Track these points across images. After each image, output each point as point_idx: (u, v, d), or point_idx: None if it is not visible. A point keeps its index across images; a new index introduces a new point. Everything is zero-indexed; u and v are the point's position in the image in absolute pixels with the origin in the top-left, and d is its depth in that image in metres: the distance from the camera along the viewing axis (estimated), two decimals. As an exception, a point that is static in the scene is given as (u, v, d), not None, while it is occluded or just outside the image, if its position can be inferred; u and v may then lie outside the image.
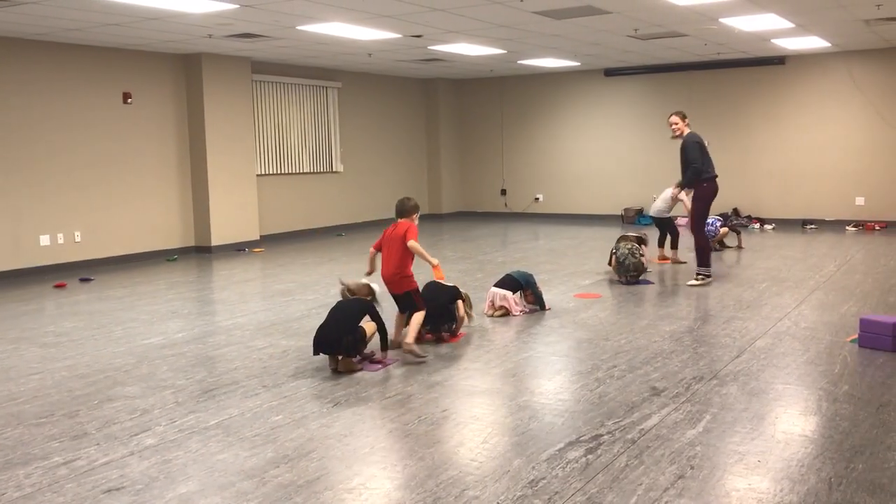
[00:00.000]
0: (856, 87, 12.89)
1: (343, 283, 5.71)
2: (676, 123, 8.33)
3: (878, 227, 12.67)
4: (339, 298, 5.64)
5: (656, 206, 9.69)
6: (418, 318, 5.64)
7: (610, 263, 8.69)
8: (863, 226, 12.69)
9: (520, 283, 7.10)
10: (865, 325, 5.58)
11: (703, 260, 8.24)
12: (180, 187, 11.63)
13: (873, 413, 4.23)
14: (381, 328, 5.43)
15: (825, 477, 3.43)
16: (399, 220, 5.75)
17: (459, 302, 6.18)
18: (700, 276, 8.21)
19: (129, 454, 3.90)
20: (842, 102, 13.05)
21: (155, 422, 4.37)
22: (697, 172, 8.08)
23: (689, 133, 8.29)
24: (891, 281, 8.13)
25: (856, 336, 5.71)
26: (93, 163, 10.46)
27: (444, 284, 6.15)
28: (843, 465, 3.54)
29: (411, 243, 5.54)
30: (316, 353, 5.26)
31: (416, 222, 5.75)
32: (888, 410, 4.26)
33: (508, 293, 6.95)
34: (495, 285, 7.08)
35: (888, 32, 10.82)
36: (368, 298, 5.55)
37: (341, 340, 5.17)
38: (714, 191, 8.24)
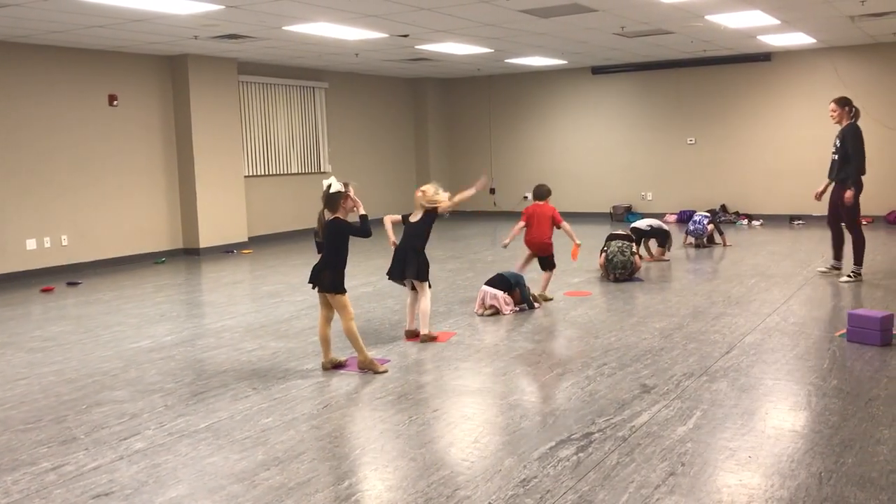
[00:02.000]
0: (841, 83, 12.95)
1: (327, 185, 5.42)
2: (835, 111, 7.92)
3: (865, 222, 12.70)
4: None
5: (651, 223, 9.66)
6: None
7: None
8: (850, 221, 12.75)
9: (510, 283, 7.09)
10: (853, 319, 5.61)
11: (858, 258, 7.96)
12: (168, 189, 11.57)
13: (862, 407, 4.24)
14: (360, 229, 5.26)
15: (815, 472, 3.44)
16: (539, 202, 7.49)
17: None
18: (853, 274, 7.96)
19: (118, 459, 3.87)
20: (827, 98, 13.00)
21: (144, 426, 4.34)
22: (860, 167, 7.73)
23: (851, 123, 7.82)
24: (878, 275, 8.17)
25: (844, 331, 5.73)
26: (79, 166, 10.39)
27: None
28: (832, 460, 3.56)
29: (564, 225, 7.43)
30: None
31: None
32: (877, 404, 4.28)
33: (499, 292, 6.95)
34: (486, 284, 7.08)
35: (873, 28, 10.87)
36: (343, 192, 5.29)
37: (320, 274, 5.21)
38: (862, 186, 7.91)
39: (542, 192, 7.59)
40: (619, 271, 8.31)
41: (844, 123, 7.89)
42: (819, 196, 8.31)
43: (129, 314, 7.49)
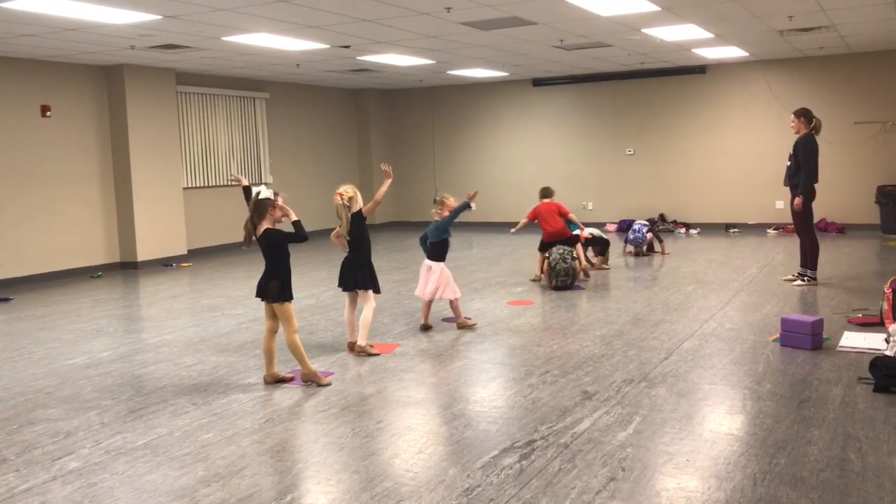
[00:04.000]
0: (773, 94, 13.37)
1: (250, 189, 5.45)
2: (793, 122, 8.18)
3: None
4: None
5: (592, 231, 9.86)
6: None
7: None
8: (783, 228, 13.15)
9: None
10: (786, 324, 5.78)
11: (812, 262, 8.24)
12: (104, 202, 11.31)
13: (794, 409, 4.37)
14: (296, 235, 5.19)
15: (750, 473, 3.53)
16: (546, 200, 9.14)
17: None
18: (806, 278, 8.25)
19: (52, 479, 3.76)
20: (760, 110, 13.52)
21: (79, 444, 4.23)
22: (809, 176, 8.00)
23: (806, 134, 8.07)
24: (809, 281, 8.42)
25: (777, 335, 5.90)
26: (9, 178, 10.08)
27: None
28: (766, 461, 3.66)
29: (572, 216, 9.17)
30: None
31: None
32: (808, 406, 4.42)
33: (439, 265, 6.75)
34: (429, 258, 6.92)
35: (801, 43, 11.26)
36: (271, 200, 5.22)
37: (266, 286, 5.16)
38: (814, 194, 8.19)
39: (548, 192, 9.34)
40: (561, 278, 8.41)
41: (802, 133, 8.15)
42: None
43: (64, 330, 7.29)
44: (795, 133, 8.21)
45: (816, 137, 8.11)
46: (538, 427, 4.22)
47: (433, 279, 6.70)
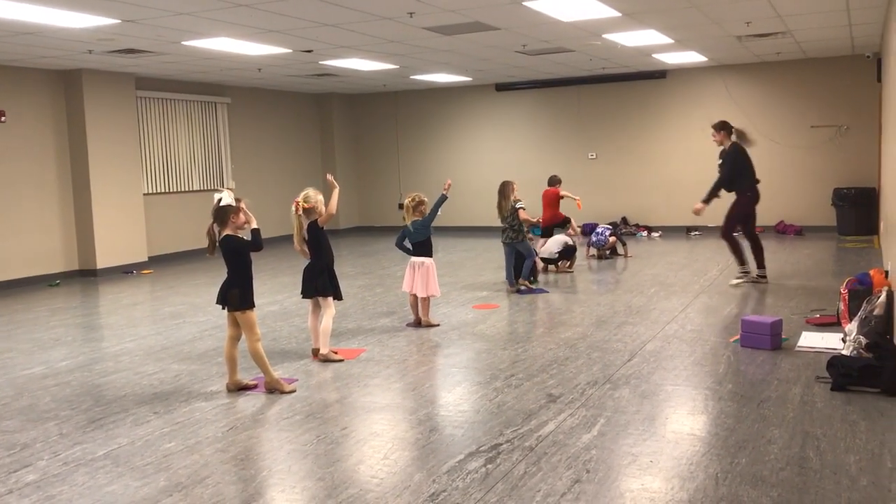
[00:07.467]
0: (731, 99, 13.59)
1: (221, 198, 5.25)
2: (714, 136, 8.52)
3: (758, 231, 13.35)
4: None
5: (558, 249, 9.92)
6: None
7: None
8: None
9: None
10: (746, 325, 5.87)
11: (740, 259, 8.51)
12: (61, 209, 11.11)
13: (755, 409, 4.44)
14: (252, 242, 5.15)
15: (712, 473, 3.57)
16: (550, 188, 10.62)
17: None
18: (742, 275, 8.51)
19: (7, 493, 3.67)
20: (719, 114, 13.62)
21: (37, 456, 4.14)
22: (719, 184, 8.40)
23: (733, 144, 8.41)
24: (770, 282, 8.56)
25: (738, 336, 5.99)
26: (-36, 185, 9.87)
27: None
28: (728, 461, 3.70)
29: (565, 193, 10.65)
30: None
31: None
32: (768, 406, 4.49)
33: (427, 260, 6.95)
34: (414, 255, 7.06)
35: (758, 48, 11.47)
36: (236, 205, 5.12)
37: (227, 294, 5.11)
38: (754, 201, 8.50)
39: (554, 180, 10.83)
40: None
41: (727, 145, 8.43)
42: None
43: (21, 340, 7.14)
44: (720, 146, 8.54)
45: (745, 142, 8.46)
46: (503, 431, 4.23)
47: (421, 274, 6.86)
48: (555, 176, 10.94)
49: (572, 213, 11.25)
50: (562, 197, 10.64)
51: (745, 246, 8.62)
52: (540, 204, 10.83)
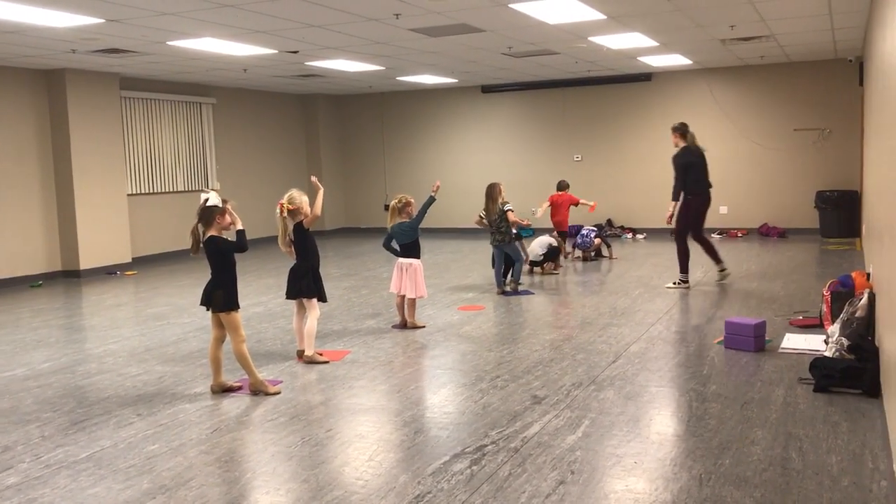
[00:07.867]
0: (715, 102, 13.67)
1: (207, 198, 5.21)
2: (672, 137, 8.71)
3: (740, 234, 13.46)
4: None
5: (543, 251, 9.96)
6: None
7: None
8: (727, 233, 13.45)
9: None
10: (730, 327, 5.90)
11: (683, 266, 8.62)
12: (44, 209, 11.03)
13: (738, 410, 4.47)
14: (237, 244, 5.13)
15: (696, 474, 3.59)
16: (560, 192, 10.91)
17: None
18: (679, 282, 8.62)
19: (-11, 495, 3.65)
20: (703, 116, 13.78)
21: (18, 458, 4.11)
22: (679, 187, 8.55)
23: (682, 148, 8.59)
24: (752, 284, 8.63)
25: (722, 338, 6.02)
26: (-55, 185, 9.78)
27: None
28: (711, 462, 3.73)
29: (582, 200, 10.98)
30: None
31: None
32: (751, 407, 4.52)
33: (414, 261, 6.95)
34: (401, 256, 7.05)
35: (742, 51, 11.54)
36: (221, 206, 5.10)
37: (212, 295, 5.09)
38: (701, 204, 8.62)
39: (563, 185, 11.07)
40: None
41: (679, 147, 8.63)
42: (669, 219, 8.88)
43: (2, 341, 7.08)
44: (675, 146, 8.69)
45: (700, 147, 8.63)
46: (488, 432, 4.24)
47: (410, 275, 6.85)
48: (563, 181, 11.17)
49: (575, 215, 11.47)
50: (576, 204, 10.89)
51: (696, 248, 8.74)
52: (538, 205, 11.10)
